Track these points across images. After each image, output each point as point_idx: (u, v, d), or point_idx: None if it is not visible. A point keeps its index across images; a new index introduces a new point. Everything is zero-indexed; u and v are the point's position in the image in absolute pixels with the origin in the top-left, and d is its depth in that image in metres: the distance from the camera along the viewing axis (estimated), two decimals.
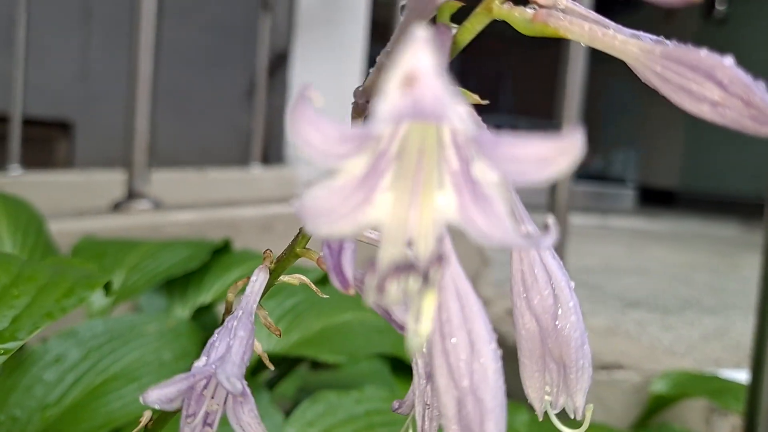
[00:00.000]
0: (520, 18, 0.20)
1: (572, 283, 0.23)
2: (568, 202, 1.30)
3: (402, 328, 0.24)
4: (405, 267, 0.16)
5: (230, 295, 0.27)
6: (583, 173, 5.54)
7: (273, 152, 2.72)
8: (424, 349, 0.23)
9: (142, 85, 1.34)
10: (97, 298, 0.81)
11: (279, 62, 2.72)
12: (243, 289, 0.26)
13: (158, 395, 0.22)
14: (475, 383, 0.18)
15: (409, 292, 0.16)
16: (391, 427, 0.60)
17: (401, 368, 0.79)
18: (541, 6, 0.20)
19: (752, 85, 0.19)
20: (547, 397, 0.23)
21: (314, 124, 0.14)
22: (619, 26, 0.21)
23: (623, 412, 1.04)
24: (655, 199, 6.03)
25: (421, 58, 0.13)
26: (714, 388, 0.95)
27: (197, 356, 0.24)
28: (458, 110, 0.14)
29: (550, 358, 0.23)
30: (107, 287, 0.63)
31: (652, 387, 1.00)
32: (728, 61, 0.19)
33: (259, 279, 0.26)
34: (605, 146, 6.68)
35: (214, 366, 0.22)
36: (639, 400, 1.04)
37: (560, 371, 0.23)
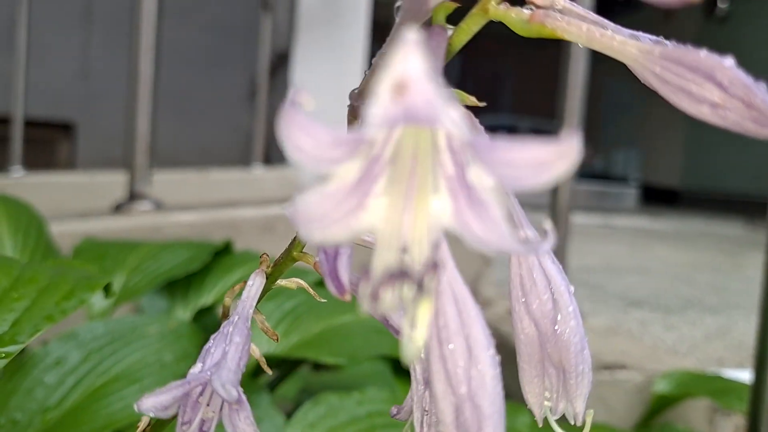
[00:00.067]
0: (517, 19, 0.20)
1: (572, 288, 0.23)
2: (570, 201, 1.30)
3: (399, 332, 0.24)
4: (399, 275, 0.15)
5: (227, 300, 0.26)
6: (586, 172, 5.53)
7: (275, 153, 2.72)
8: (422, 355, 0.23)
9: (142, 86, 1.34)
10: (98, 300, 0.81)
11: (280, 62, 2.72)
12: (240, 294, 0.26)
13: (153, 403, 0.21)
14: (473, 389, 0.17)
15: (404, 300, 0.16)
16: (393, 428, 0.60)
17: (403, 369, 0.79)
18: (538, 6, 0.20)
19: (753, 87, 0.18)
20: (546, 403, 0.23)
21: (305, 129, 0.14)
22: (618, 27, 0.21)
23: (626, 412, 1.03)
24: (657, 198, 6.02)
25: (411, 62, 0.12)
26: (717, 387, 0.94)
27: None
28: (451, 114, 0.13)
29: (550, 363, 0.23)
30: (107, 289, 0.62)
31: (655, 387, 0.99)
32: (728, 61, 0.18)
33: (255, 283, 0.25)
34: (607, 145, 6.67)
35: (209, 373, 0.22)
36: (641, 400, 1.04)
37: (560, 376, 0.23)
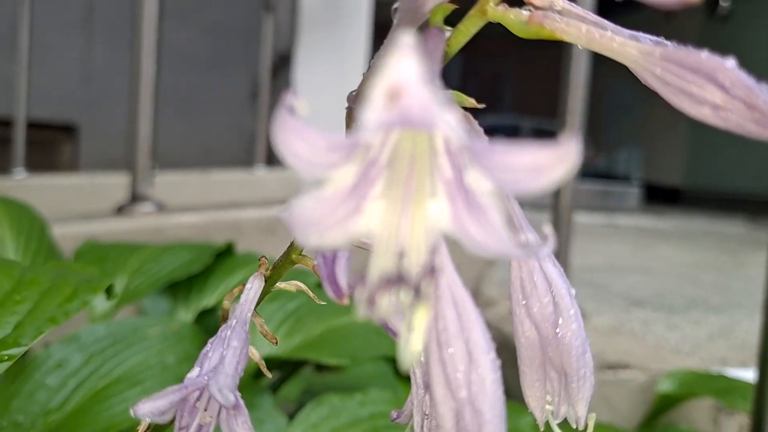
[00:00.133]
0: (516, 20, 0.20)
1: (573, 290, 0.23)
2: (573, 200, 1.29)
3: (398, 335, 0.23)
4: (396, 280, 0.15)
5: (226, 303, 0.26)
6: (588, 172, 5.52)
7: (277, 154, 2.71)
8: (422, 359, 0.22)
9: (144, 87, 1.34)
10: (100, 303, 0.81)
11: (282, 63, 2.72)
12: (239, 297, 0.26)
13: (150, 408, 0.21)
14: (473, 394, 0.17)
15: (401, 305, 0.16)
16: (395, 430, 0.60)
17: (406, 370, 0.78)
18: (536, 7, 0.20)
19: (755, 88, 0.18)
20: (548, 407, 0.23)
21: (299, 133, 0.14)
22: (618, 27, 0.20)
23: (629, 411, 1.03)
24: (660, 197, 6.01)
25: (405, 67, 0.12)
26: (721, 387, 0.94)
27: None
28: (448, 118, 0.13)
29: (551, 367, 0.22)
30: (109, 291, 0.62)
31: (659, 386, 0.99)
32: (730, 63, 0.18)
33: (253, 287, 0.25)
34: (610, 144, 6.66)
35: (206, 377, 0.22)
36: (645, 400, 1.04)
37: (561, 380, 0.23)
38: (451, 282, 0.18)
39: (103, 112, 2.80)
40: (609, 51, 0.19)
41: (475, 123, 0.21)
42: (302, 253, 0.25)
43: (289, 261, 0.25)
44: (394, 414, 0.25)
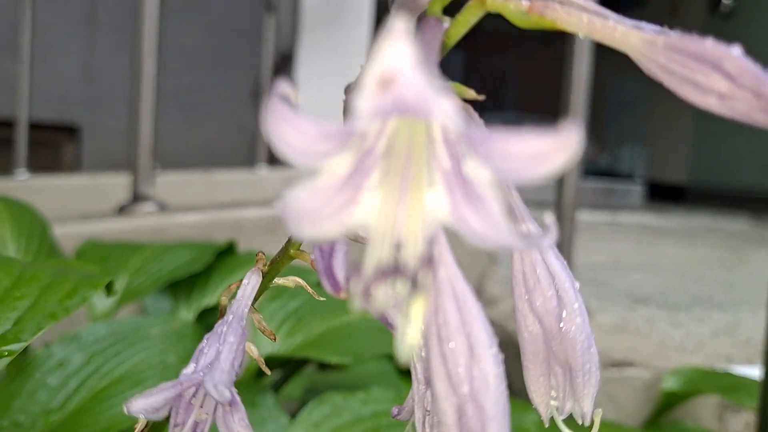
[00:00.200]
0: (515, 10, 0.19)
1: (577, 284, 0.22)
2: (576, 198, 1.29)
3: (395, 329, 0.23)
4: (392, 270, 0.15)
5: (224, 299, 0.26)
6: (591, 169, 5.51)
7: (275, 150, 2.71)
8: (423, 354, 0.22)
9: (145, 87, 1.34)
10: (101, 302, 0.80)
11: (283, 63, 2.72)
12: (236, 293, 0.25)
13: (143, 405, 0.21)
14: (476, 389, 0.17)
15: (397, 297, 0.15)
16: (398, 428, 0.59)
17: (408, 369, 0.78)
18: None
19: (762, 76, 0.18)
20: (553, 402, 0.22)
21: (290, 121, 0.13)
22: (621, 17, 0.20)
23: (634, 409, 1.03)
24: (663, 194, 5.99)
25: (398, 52, 0.12)
26: (726, 384, 0.94)
27: None
28: (444, 105, 0.13)
29: (555, 362, 0.22)
30: (109, 287, 0.62)
31: (664, 384, 0.98)
32: (736, 51, 0.18)
33: (251, 282, 0.25)
34: (612, 142, 6.65)
35: (202, 373, 0.22)
36: (650, 397, 1.03)
37: (566, 375, 0.22)
38: (451, 275, 0.17)
39: (106, 112, 2.80)
40: (611, 40, 0.19)
41: (476, 114, 0.21)
42: (300, 249, 0.25)
43: (287, 256, 0.25)
44: (395, 410, 0.24)
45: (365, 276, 0.15)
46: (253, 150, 2.45)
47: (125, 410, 0.21)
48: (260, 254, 0.26)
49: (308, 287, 0.26)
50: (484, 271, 1.45)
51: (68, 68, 2.76)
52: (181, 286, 0.88)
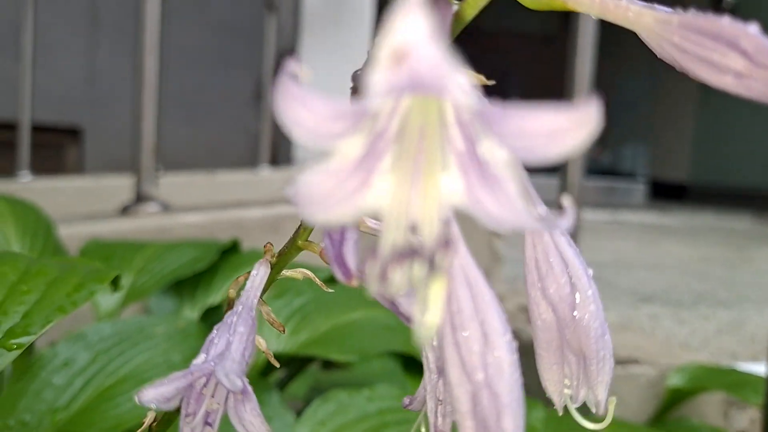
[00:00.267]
0: None
1: (590, 271, 0.22)
2: (579, 197, 1.28)
3: (410, 320, 0.23)
4: (409, 253, 0.15)
5: (231, 291, 0.26)
6: (593, 168, 5.50)
7: (282, 154, 2.72)
8: (435, 342, 0.22)
9: (148, 86, 1.34)
10: (105, 301, 0.80)
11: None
12: (245, 285, 0.25)
13: (155, 394, 0.21)
14: (490, 377, 0.17)
15: (414, 281, 0.15)
16: (404, 425, 0.59)
17: (413, 367, 0.78)
18: None
19: None
20: (566, 391, 0.22)
21: (302, 101, 0.13)
22: None
23: (639, 406, 1.02)
24: (666, 193, 5.98)
25: (413, 26, 0.11)
26: (732, 381, 0.93)
27: None
28: (459, 80, 0.13)
29: (569, 350, 0.22)
30: (116, 282, 0.62)
31: (669, 381, 0.98)
32: (753, 28, 0.17)
33: (259, 273, 0.25)
34: (614, 141, 6.64)
35: (212, 363, 0.22)
36: (655, 395, 1.03)
37: (580, 363, 0.22)
38: (464, 263, 0.17)
39: (108, 114, 2.80)
40: (624, 20, 0.19)
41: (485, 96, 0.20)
42: (309, 239, 0.25)
43: (295, 247, 0.25)
44: (406, 400, 0.24)
45: (381, 258, 0.15)
46: (255, 151, 2.45)
47: (137, 400, 0.21)
48: (268, 245, 0.25)
49: (316, 279, 0.26)
50: (489, 269, 1.45)
51: (70, 70, 2.76)
52: (185, 285, 0.88)
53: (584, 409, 0.23)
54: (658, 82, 6.16)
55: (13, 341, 0.36)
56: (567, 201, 0.15)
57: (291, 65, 0.13)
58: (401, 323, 0.78)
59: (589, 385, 0.22)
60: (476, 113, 0.14)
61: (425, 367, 0.23)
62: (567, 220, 0.15)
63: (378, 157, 0.15)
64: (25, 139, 1.93)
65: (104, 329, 0.67)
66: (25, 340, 0.36)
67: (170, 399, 0.21)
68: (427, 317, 0.15)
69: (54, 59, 2.65)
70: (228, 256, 0.91)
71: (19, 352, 0.36)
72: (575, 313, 0.21)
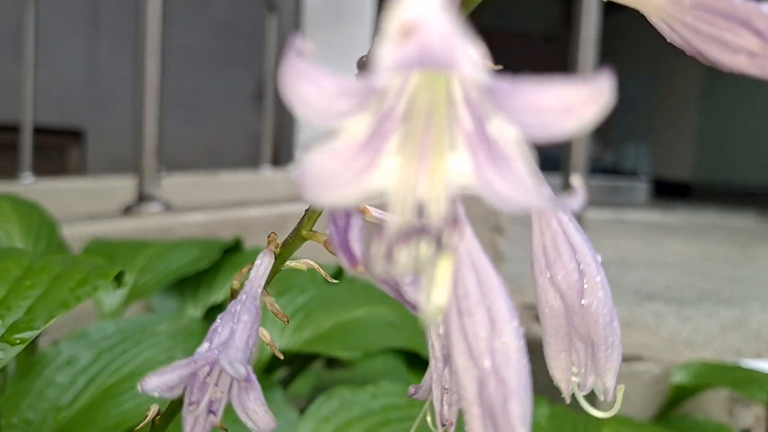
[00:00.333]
0: None
1: (599, 257, 0.22)
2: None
3: (415, 308, 0.23)
4: (415, 232, 0.14)
5: (235, 283, 0.25)
6: (596, 167, 5.50)
7: (283, 154, 2.72)
8: (441, 330, 0.22)
9: (149, 88, 1.34)
10: (108, 300, 0.80)
11: None
12: (248, 275, 0.25)
13: (158, 382, 0.21)
14: (497, 363, 0.16)
15: (419, 261, 0.15)
16: (408, 422, 0.59)
17: (417, 365, 0.78)
18: None
19: None
20: (574, 378, 0.22)
21: (308, 77, 0.13)
22: None
23: (643, 403, 1.02)
24: (668, 191, 5.97)
25: None
26: (736, 378, 0.93)
27: None
28: (470, 53, 0.12)
29: (577, 337, 0.21)
30: (119, 279, 0.62)
31: (673, 378, 0.98)
32: (766, 7, 0.17)
33: (263, 263, 0.25)
34: (617, 140, 6.63)
35: (216, 351, 0.21)
36: (659, 392, 1.02)
37: (588, 350, 0.22)
38: (470, 248, 0.17)
39: (110, 116, 2.80)
40: (635, 2, 0.18)
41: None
42: (312, 229, 0.24)
43: (299, 237, 0.24)
44: (412, 389, 0.24)
45: (388, 238, 0.14)
46: (256, 151, 2.45)
47: (139, 388, 0.21)
48: (272, 235, 0.25)
49: (320, 269, 0.25)
50: None
51: (72, 72, 2.77)
52: (188, 284, 0.88)
53: (586, 405, 0.23)
54: (660, 81, 6.15)
55: (16, 336, 0.36)
56: (576, 180, 0.14)
57: (297, 42, 0.13)
58: (405, 320, 0.78)
59: (598, 373, 0.22)
60: (486, 88, 0.13)
61: (431, 356, 0.23)
62: (577, 200, 0.14)
63: (385, 137, 0.15)
64: (27, 141, 1.93)
65: (107, 328, 0.67)
66: (28, 335, 0.36)
67: (173, 387, 0.21)
68: (434, 296, 0.15)
69: (55, 61, 2.66)
70: (230, 254, 0.90)
71: (22, 347, 0.36)
72: (583, 299, 0.21)
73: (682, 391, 0.98)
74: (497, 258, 1.51)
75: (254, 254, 0.87)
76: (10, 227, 0.83)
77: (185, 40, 2.65)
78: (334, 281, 0.25)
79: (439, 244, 0.15)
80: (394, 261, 0.14)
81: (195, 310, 0.85)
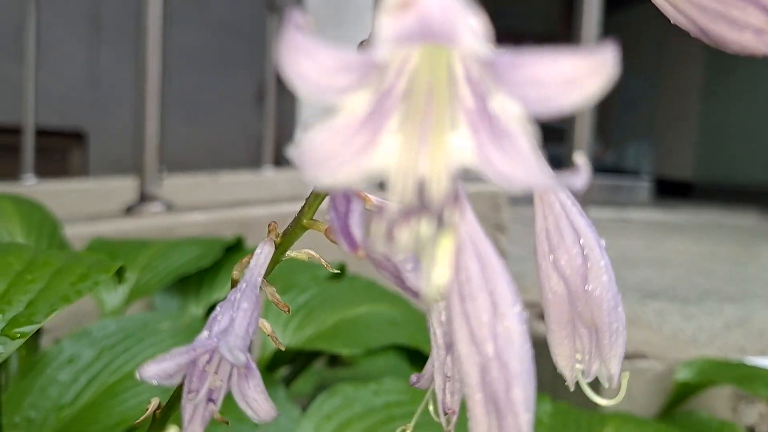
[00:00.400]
0: None
1: (603, 242, 0.21)
2: (584, 195, 1.28)
3: (416, 294, 0.22)
4: (416, 210, 0.14)
5: (235, 273, 0.25)
6: (598, 167, 5.49)
7: (285, 155, 2.71)
8: (443, 317, 0.21)
9: (150, 89, 1.34)
10: (110, 299, 0.80)
11: None
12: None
13: (156, 370, 0.20)
14: (500, 347, 0.16)
15: (420, 240, 0.14)
16: (411, 419, 0.59)
17: (419, 362, 0.77)
18: None
19: None
20: (578, 366, 0.22)
21: (307, 51, 0.12)
22: None
23: (646, 401, 1.01)
24: (670, 190, 5.97)
25: None
26: (741, 374, 0.92)
27: None
28: (471, 24, 0.12)
29: (581, 323, 0.21)
30: (120, 274, 0.62)
31: (677, 375, 0.97)
32: None
33: (263, 252, 0.24)
34: (619, 139, 6.63)
35: (216, 339, 0.21)
36: (662, 389, 1.02)
37: (592, 336, 0.21)
38: (472, 232, 0.17)
39: (112, 117, 2.81)
40: None
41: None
42: (313, 218, 0.24)
43: (300, 227, 0.24)
44: (414, 378, 0.24)
45: (388, 216, 0.14)
46: (258, 152, 2.45)
47: (137, 376, 0.20)
48: (273, 224, 0.25)
49: (322, 260, 0.25)
50: None
51: (73, 73, 2.77)
52: (190, 283, 0.88)
53: (590, 392, 0.23)
54: (662, 80, 6.14)
55: (17, 330, 0.36)
56: (580, 159, 0.14)
57: (296, 15, 0.13)
58: (406, 318, 0.77)
59: (602, 359, 0.21)
60: (487, 61, 0.13)
61: (432, 344, 0.22)
62: (581, 179, 0.14)
63: (385, 115, 0.15)
64: (29, 143, 1.94)
65: (109, 326, 0.67)
66: (28, 329, 0.36)
67: (172, 375, 0.21)
68: (435, 276, 0.15)
69: (56, 63, 2.66)
70: (232, 253, 0.90)
71: (23, 340, 0.36)
72: (587, 284, 0.21)
73: (686, 388, 0.97)
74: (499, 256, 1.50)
75: None
76: (12, 226, 0.83)
77: (186, 41, 2.66)
78: (337, 272, 0.25)
79: (440, 223, 0.14)
80: (395, 240, 0.14)
81: (197, 309, 0.85)
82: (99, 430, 0.57)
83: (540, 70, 0.12)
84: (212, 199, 1.97)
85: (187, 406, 0.23)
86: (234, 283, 0.25)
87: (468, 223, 0.16)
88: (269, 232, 0.25)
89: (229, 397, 0.25)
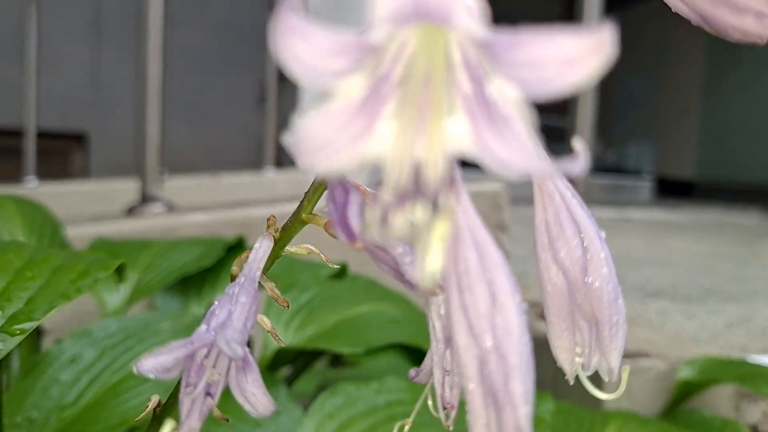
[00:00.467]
0: None
1: (603, 233, 0.21)
2: (585, 195, 1.27)
3: (414, 286, 0.22)
4: (411, 194, 0.14)
5: (235, 268, 0.25)
6: (599, 166, 5.49)
7: (286, 156, 2.72)
8: (442, 311, 0.21)
9: (151, 90, 1.34)
10: (111, 299, 0.80)
11: None
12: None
13: (153, 364, 0.20)
14: (498, 339, 0.16)
15: (417, 224, 0.14)
16: (414, 418, 0.58)
17: (421, 361, 0.77)
18: None
19: None
20: (577, 359, 0.21)
21: (301, 33, 0.12)
22: None
23: (648, 400, 1.01)
24: (672, 190, 5.96)
25: None
26: (743, 373, 0.92)
27: None
28: (468, 3, 0.12)
29: (580, 315, 0.21)
30: (120, 272, 0.62)
31: (679, 373, 0.97)
32: None
33: (262, 246, 0.24)
34: (620, 138, 6.63)
35: (213, 332, 0.21)
36: (665, 388, 1.02)
37: (592, 329, 0.21)
38: (471, 222, 0.16)
39: (113, 119, 2.81)
40: None
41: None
42: (312, 212, 0.24)
43: (299, 221, 0.24)
44: (412, 373, 0.24)
45: (383, 202, 0.14)
46: (259, 153, 2.45)
47: (134, 370, 0.20)
48: (271, 218, 0.25)
49: (321, 255, 0.25)
50: None
51: (75, 76, 2.77)
52: (191, 282, 0.88)
53: (590, 386, 0.23)
54: (663, 79, 6.14)
55: (16, 327, 0.36)
56: (579, 144, 0.14)
57: None
58: (408, 317, 0.77)
59: (602, 352, 0.21)
60: (484, 41, 0.13)
61: (431, 337, 0.22)
62: (580, 164, 0.14)
63: (382, 101, 0.14)
64: (30, 145, 1.94)
65: (110, 326, 0.67)
66: (28, 325, 0.36)
67: (170, 369, 0.21)
68: (429, 261, 0.14)
69: (58, 65, 2.66)
70: (234, 253, 0.90)
71: (22, 337, 0.36)
72: (587, 276, 0.21)
73: (688, 386, 0.97)
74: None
75: None
76: (14, 227, 0.83)
77: (186, 42, 2.66)
78: (337, 269, 0.24)
79: (435, 207, 0.14)
80: (389, 225, 0.14)
81: (198, 309, 0.85)
82: (101, 430, 0.57)
83: (538, 50, 0.12)
84: (213, 199, 1.97)
85: (184, 401, 0.23)
86: (233, 279, 0.25)
87: (467, 214, 0.16)
88: (268, 226, 0.25)
89: (230, 397, 0.25)
